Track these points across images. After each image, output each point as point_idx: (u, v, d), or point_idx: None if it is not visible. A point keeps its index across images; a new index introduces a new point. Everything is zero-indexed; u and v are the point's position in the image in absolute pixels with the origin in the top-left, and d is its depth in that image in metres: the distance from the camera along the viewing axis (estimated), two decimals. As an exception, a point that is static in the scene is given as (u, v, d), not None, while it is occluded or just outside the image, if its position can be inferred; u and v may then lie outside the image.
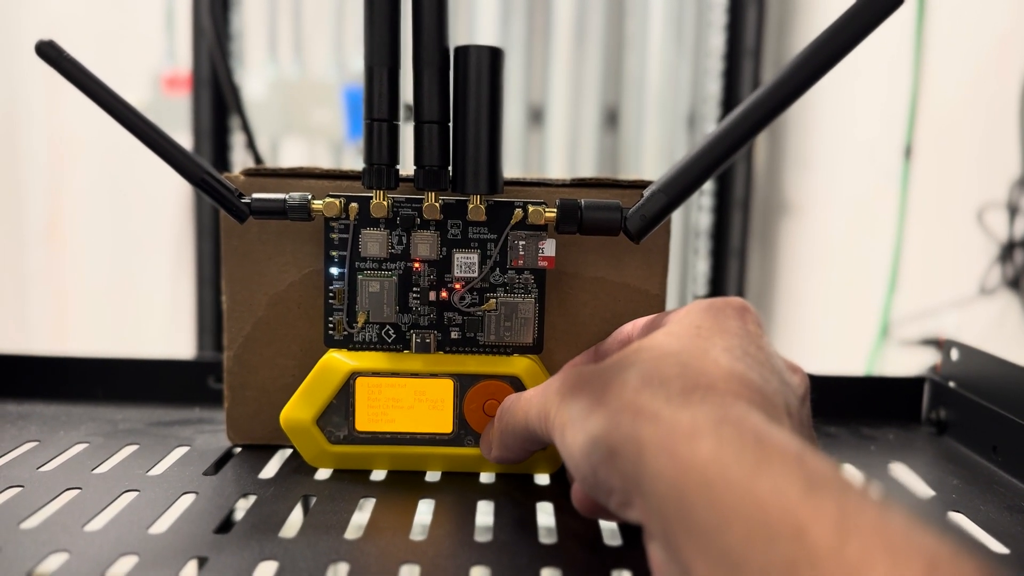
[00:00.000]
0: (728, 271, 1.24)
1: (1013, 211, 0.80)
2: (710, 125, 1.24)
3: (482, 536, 0.29)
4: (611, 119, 1.32)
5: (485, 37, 1.25)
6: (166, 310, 1.45)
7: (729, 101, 1.21)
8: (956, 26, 0.90)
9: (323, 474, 0.34)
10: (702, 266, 1.28)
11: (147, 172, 1.38)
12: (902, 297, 0.99)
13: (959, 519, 0.32)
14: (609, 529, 0.29)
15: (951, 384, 0.41)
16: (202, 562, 0.26)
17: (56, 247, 1.48)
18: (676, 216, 1.27)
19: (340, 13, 1.31)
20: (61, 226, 1.47)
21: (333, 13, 1.31)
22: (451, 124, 0.31)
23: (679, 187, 0.30)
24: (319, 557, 0.26)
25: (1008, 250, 0.82)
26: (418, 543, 0.28)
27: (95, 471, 0.34)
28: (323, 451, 0.34)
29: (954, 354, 0.41)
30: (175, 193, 1.41)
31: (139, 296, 1.47)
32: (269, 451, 0.36)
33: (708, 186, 1.25)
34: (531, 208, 0.32)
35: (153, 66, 1.30)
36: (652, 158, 1.27)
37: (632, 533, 0.29)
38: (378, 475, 0.34)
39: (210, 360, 0.43)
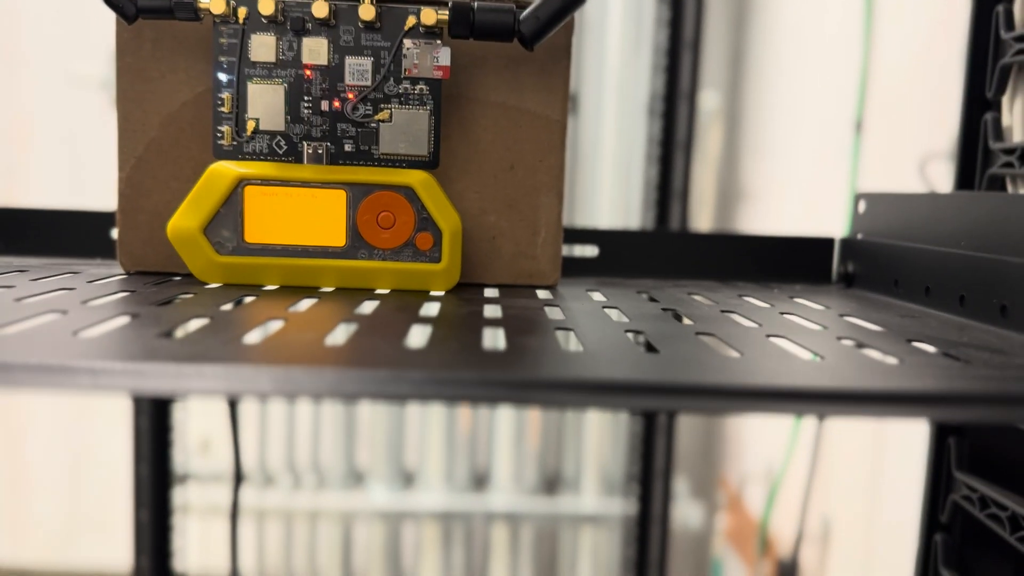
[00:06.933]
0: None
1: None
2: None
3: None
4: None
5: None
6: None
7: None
8: None
9: (214, 288, 0.33)
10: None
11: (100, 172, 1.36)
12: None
13: (851, 320, 0.31)
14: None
15: (859, 236, 0.41)
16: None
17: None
18: (622, 206, 1.27)
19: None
20: None
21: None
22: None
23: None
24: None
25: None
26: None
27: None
28: (211, 262, 0.33)
29: (862, 206, 0.41)
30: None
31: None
32: (163, 276, 0.35)
33: (651, 179, 1.25)
34: (423, 9, 0.32)
35: None
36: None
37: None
38: (270, 291, 0.33)
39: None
